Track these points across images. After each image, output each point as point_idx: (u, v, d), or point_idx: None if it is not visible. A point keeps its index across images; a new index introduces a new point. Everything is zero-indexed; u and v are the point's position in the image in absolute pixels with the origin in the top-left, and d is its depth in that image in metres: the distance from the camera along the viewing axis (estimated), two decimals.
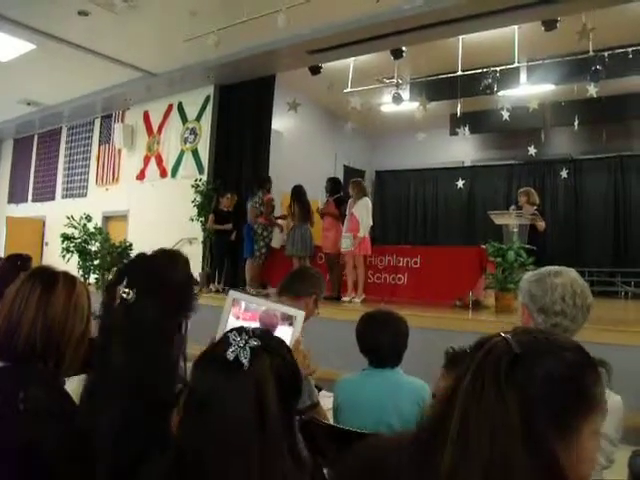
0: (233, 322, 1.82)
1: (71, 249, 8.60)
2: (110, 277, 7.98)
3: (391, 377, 2.30)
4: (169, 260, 1.57)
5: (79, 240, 8.68)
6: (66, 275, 1.68)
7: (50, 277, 1.61)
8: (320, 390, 2.92)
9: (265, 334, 1.15)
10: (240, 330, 1.13)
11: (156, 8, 7.52)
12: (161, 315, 1.41)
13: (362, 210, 7.40)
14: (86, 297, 1.66)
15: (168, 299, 1.44)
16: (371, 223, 7.59)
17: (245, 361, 1.05)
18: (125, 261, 8.26)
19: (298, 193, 8.30)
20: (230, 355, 1.06)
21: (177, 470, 1.06)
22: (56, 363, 1.53)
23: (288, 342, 1.70)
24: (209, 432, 1.04)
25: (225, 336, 1.12)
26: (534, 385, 0.85)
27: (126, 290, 1.40)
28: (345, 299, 7.45)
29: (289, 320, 1.83)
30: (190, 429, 1.07)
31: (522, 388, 0.84)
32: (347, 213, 7.59)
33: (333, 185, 8.24)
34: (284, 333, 1.75)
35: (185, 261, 1.62)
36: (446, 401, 0.92)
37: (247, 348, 1.06)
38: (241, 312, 1.80)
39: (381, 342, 2.32)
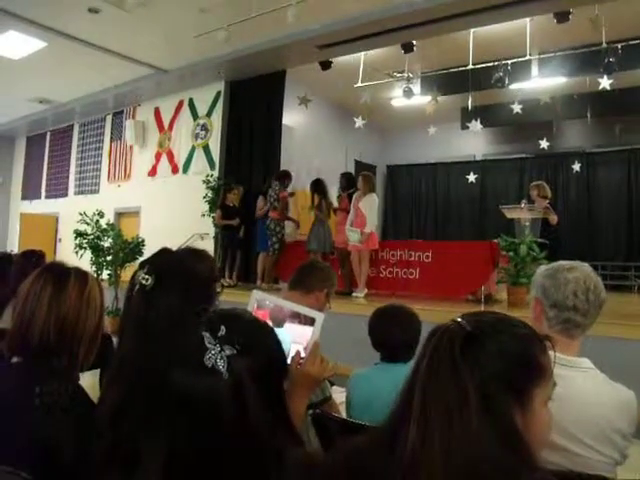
0: None
1: (84, 245, 8.64)
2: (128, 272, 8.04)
3: (403, 371, 2.28)
4: (192, 254, 1.57)
5: (92, 236, 8.72)
6: (78, 271, 1.69)
7: (62, 273, 1.62)
8: (332, 385, 2.92)
9: (240, 333, 1.11)
10: (214, 330, 1.09)
11: (166, 5, 7.54)
12: (179, 305, 1.40)
13: (369, 206, 7.37)
14: (98, 292, 1.66)
15: (187, 290, 1.43)
16: (376, 222, 7.57)
17: (223, 370, 1.04)
18: (138, 257, 8.35)
19: (323, 188, 8.31)
20: (208, 362, 1.05)
21: (169, 471, 1.05)
22: (70, 358, 1.54)
23: (306, 343, 1.70)
24: (194, 434, 1.04)
25: (200, 335, 1.09)
26: (488, 359, 0.91)
27: (145, 276, 1.40)
28: (354, 294, 7.42)
29: (309, 321, 1.80)
30: (175, 431, 1.06)
31: (476, 363, 0.90)
32: (352, 207, 7.57)
33: (347, 181, 8.22)
34: (303, 333, 1.74)
35: (209, 258, 1.62)
36: (408, 386, 0.98)
37: (224, 357, 1.05)
38: (254, 310, 1.78)
39: (393, 337, 2.32)
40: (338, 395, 2.78)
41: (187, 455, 1.03)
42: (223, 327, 1.10)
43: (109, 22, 8.06)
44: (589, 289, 1.73)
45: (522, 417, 0.91)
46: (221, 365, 1.04)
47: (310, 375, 1.64)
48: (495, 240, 7.10)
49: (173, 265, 1.47)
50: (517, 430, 0.89)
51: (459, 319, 0.98)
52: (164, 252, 1.55)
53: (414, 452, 0.89)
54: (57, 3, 7.59)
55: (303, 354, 1.67)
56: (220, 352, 1.06)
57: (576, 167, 11.46)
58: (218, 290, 1.58)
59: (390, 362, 2.33)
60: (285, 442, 1.09)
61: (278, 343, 1.18)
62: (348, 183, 8.17)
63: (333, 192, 8.58)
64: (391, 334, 2.32)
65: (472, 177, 12.50)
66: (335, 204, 8.37)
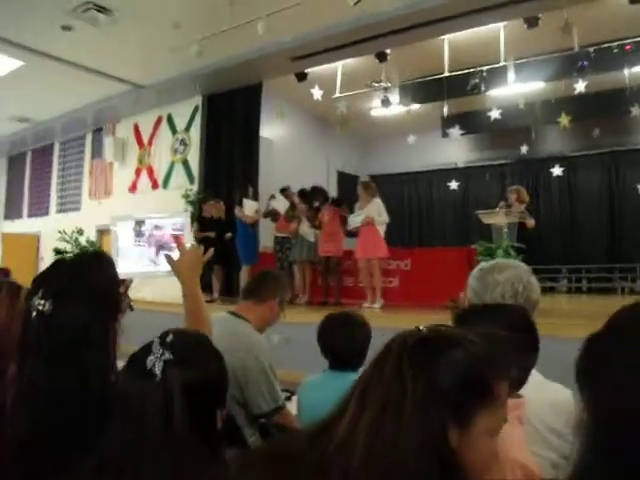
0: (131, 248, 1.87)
1: None
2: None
3: (351, 379, 2.24)
4: (89, 262, 1.51)
5: (71, 254, 8.66)
6: (11, 284, 1.67)
7: None
8: (292, 395, 2.89)
9: (184, 345, 1.18)
10: (163, 338, 1.17)
11: (138, 21, 7.54)
12: (84, 321, 1.34)
13: (376, 211, 7.31)
14: None
15: (91, 303, 1.37)
16: (387, 220, 7.51)
17: (157, 372, 1.10)
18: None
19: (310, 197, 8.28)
20: (148, 364, 1.11)
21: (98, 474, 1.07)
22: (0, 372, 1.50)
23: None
24: (125, 436, 1.07)
25: (151, 342, 1.17)
26: (435, 368, 0.88)
27: (41, 302, 1.32)
28: (365, 305, 7.25)
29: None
30: (110, 432, 1.10)
31: (422, 370, 0.87)
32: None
33: (324, 196, 8.18)
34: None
35: (108, 261, 1.56)
36: (355, 384, 0.98)
37: (161, 361, 1.11)
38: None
39: (339, 344, 2.29)
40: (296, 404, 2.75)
41: (115, 460, 1.05)
42: (172, 335, 1.16)
43: (83, 39, 8.05)
44: (517, 292, 1.72)
45: (458, 438, 0.86)
46: (157, 368, 1.10)
47: (190, 254, 1.75)
48: (473, 245, 7.10)
49: (70, 281, 1.39)
50: (448, 446, 0.85)
51: (421, 326, 0.96)
52: (59, 266, 1.48)
53: (337, 445, 0.88)
54: (31, 22, 7.58)
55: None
56: (161, 356, 1.12)
57: (557, 171, 11.53)
58: (122, 291, 1.55)
59: (338, 370, 2.29)
60: (209, 465, 1.10)
61: (222, 373, 1.22)
62: (325, 197, 8.16)
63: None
64: (337, 341, 2.29)
65: (454, 184, 12.56)
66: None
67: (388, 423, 0.85)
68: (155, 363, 1.10)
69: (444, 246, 11.43)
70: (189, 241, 1.91)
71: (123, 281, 1.97)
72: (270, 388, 2.47)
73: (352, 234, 7.78)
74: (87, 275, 1.42)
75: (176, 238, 1.84)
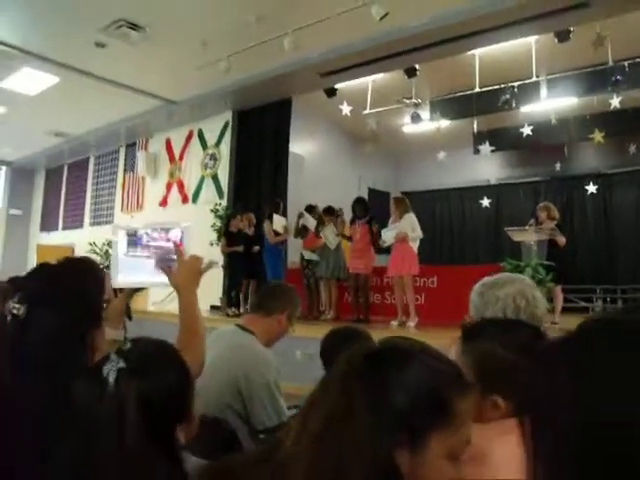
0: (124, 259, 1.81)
1: None
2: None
3: None
4: (71, 268, 1.48)
5: (101, 266, 8.77)
6: (5, 289, 1.67)
7: None
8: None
9: (141, 354, 1.14)
10: (124, 346, 1.15)
11: (169, 38, 7.68)
12: (58, 327, 1.31)
13: (410, 227, 7.20)
14: None
15: (66, 310, 1.33)
16: (421, 235, 7.38)
17: (111, 381, 1.07)
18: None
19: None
20: (104, 371, 1.08)
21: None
22: None
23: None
24: (80, 447, 1.04)
25: (112, 351, 1.14)
26: (386, 382, 0.81)
27: (16, 306, 1.29)
28: (394, 323, 7.14)
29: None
30: (68, 443, 1.07)
31: (371, 385, 0.81)
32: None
33: (364, 209, 7.97)
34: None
35: (92, 268, 1.53)
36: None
37: (115, 369, 1.08)
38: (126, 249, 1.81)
39: None
40: None
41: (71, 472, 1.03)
42: (129, 343, 1.12)
43: (116, 56, 8.23)
44: (519, 308, 1.63)
45: (410, 460, 0.79)
46: (111, 377, 1.07)
47: (188, 265, 1.67)
48: (502, 264, 6.93)
49: (48, 286, 1.37)
50: (396, 470, 0.78)
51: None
52: (40, 271, 1.46)
53: (282, 463, 0.83)
54: (66, 39, 7.79)
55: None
56: (116, 364, 1.09)
57: (591, 189, 11.27)
58: (105, 304, 1.51)
59: None
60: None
61: (182, 385, 1.18)
62: (365, 211, 7.93)
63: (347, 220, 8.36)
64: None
65: (486, 202, 12.37)
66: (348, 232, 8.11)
67: (330, 445, 0.78)
68: (110, 372, 1.07)
69: (476, 264, 11.22)
70: (190, 251, 1.86)
71: (121, 290, 1.97)
72: (274, 403, 2.40)
73: (383, 250, 7.68)
74: (65, 281, 1.39)
75: (176, 247, 1.80)
